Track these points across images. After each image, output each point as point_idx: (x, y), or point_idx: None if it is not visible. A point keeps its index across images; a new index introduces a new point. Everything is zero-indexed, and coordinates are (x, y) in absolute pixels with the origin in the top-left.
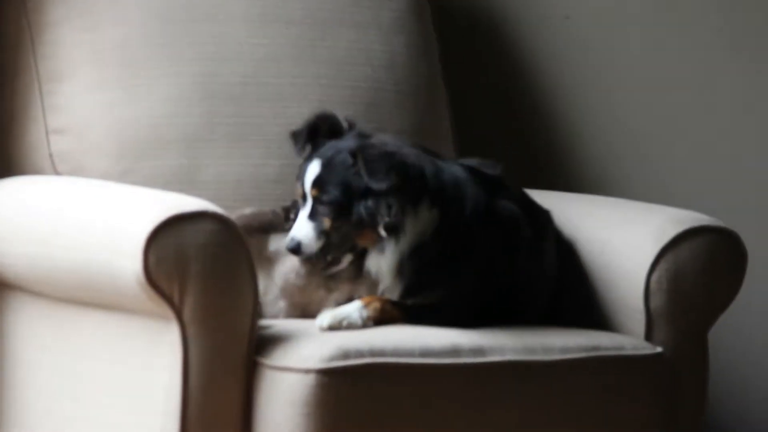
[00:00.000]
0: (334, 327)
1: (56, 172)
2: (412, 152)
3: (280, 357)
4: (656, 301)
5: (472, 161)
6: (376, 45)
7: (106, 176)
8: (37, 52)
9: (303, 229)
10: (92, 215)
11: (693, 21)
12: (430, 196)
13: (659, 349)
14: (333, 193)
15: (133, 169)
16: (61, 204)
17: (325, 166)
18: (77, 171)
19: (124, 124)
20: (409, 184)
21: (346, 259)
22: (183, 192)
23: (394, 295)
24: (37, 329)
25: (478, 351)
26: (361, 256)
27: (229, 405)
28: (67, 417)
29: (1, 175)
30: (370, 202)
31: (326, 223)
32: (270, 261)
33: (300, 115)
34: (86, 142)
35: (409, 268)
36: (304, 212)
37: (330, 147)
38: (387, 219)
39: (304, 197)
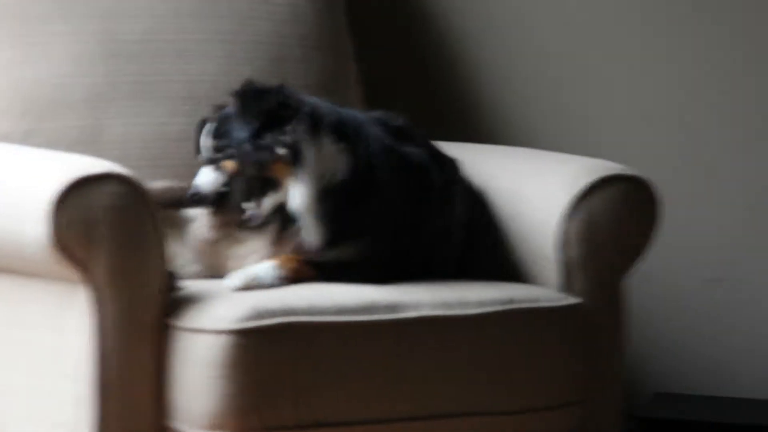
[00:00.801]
0: (247, 287)
1: None
2: (306, 96)
3: (193, 318)
4: (570, 252)
5: (376, 113)
6: None
7: (7, 138)
8: None
9: (204, 177)
10: None
11: None
12: (331, 128)
13: (575, 300)
14: (228, 139)
15: (35, 130)
16: None
17: (219, 121)
18: None
19: (23, 84)
20: (291, 111)
21: (267, 203)
22: (88, 153)
23: (312, 241)
24: None
25: (393, 307)
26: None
27: (143, 368)
28: None
29: None
30: (267, 139)
31: (228, 166)
32: (180, 227)
33: (203, 72)
34: None
35: (325, 209)
36: (206, 166)
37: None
38: (286, 146)
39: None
